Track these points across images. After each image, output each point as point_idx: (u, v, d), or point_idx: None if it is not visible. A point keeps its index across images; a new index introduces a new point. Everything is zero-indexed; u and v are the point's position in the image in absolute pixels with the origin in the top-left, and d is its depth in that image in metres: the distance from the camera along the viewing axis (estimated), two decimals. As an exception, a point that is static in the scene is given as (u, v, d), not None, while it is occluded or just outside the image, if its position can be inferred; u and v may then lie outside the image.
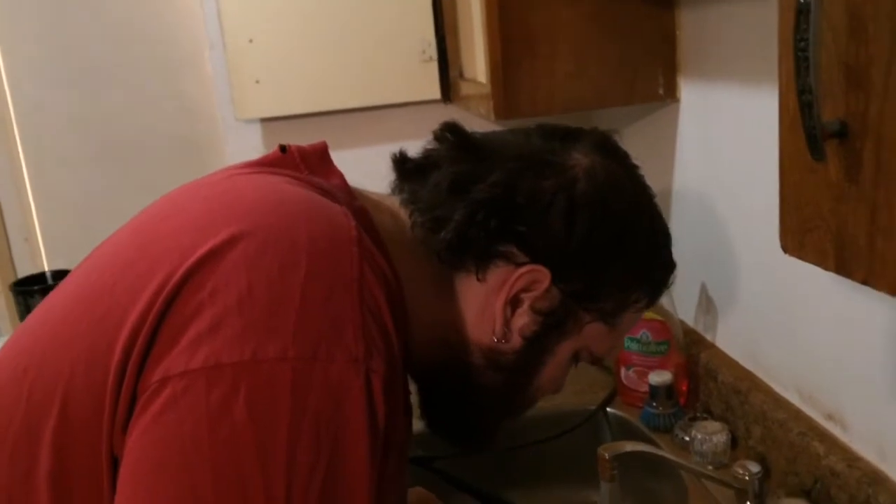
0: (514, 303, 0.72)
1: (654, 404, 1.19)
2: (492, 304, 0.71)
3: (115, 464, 0.56)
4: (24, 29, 1.61)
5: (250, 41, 1.52)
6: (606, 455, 0.89)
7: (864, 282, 0.44)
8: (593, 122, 1.73)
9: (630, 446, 0.93)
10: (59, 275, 1.52)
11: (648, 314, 1.23)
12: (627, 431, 1.23)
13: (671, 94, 1.30)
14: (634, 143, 1.49)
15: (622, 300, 0.76)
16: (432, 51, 1.58)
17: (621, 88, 1.29)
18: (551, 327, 0.73)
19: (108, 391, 0.56)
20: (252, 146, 1.62)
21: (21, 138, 1.65)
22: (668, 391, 1.18)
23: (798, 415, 1.02)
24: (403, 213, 0.73)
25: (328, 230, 0.60)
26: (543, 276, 0.70)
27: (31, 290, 1.47)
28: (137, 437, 0.54)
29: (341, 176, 0.73)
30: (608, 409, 1.27)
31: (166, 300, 0.56)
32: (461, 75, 1.53)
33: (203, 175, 0.75)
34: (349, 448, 0.54)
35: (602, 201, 0.72)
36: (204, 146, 1.68)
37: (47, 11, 1.61)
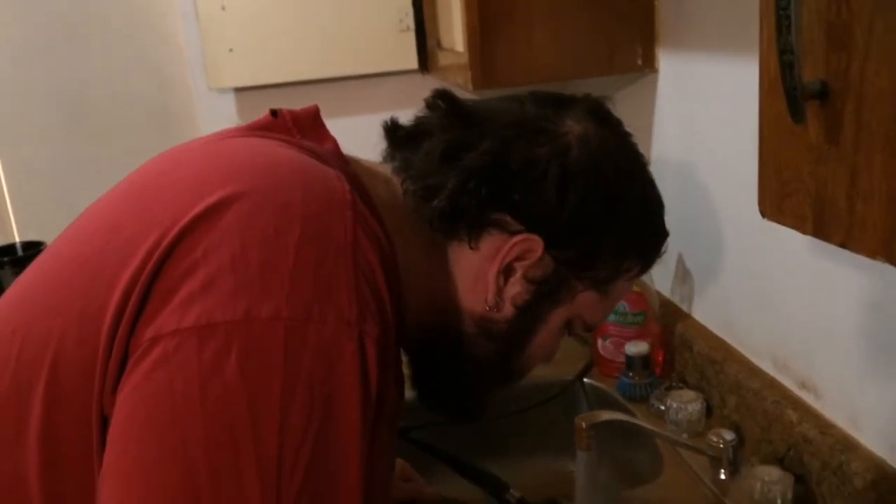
0: (506, 272, 0.71)
1: (631, 374, 1.19)
2: (485, 273, 0.71)
3: (105, 423, 0.55)
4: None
5: (223, 8, 1.49)
6: (583, 424, 0.89)
7: (843, 245, 0.44)
8: (571, 91, 1.72)
9: (606, 415, 0.93)
10: (30, 246, 1.50)
11: (625, 285, 1.23)
12: (604, 401, 1.24)
13: (649, 65, 1.29)
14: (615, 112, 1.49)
15: (615, 268, 0.76)
16: (409, 20, 1.56)
17: (599, 58, 1.28)
18: (544, 296, 0.73)
19: (100, 351, 0.55)
20: (226, 116, 1.60)
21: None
22: (645, 361, 1.19)
23: (772, 383, 1.02)
24: (396, 181, 0.73)
25: (323, 193, 0.60)
26: (537, 244, 0.70)
27: (0, 261, 1.44)
28: (128, 394, 0.53)
29: (334, 141, 0.72)
30: (585, 380, 1.28)
31: (158, 260, 0.56)
32: (439, 45, 1.51)
33: (175, 144, 0.73)
34: (341, 410, 0.54)
35: (595, 169, 0.72)
36: (176, 116, 1.65)
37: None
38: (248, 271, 0.54)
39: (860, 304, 0.87)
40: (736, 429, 1.03)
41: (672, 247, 1.27)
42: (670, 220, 1.28)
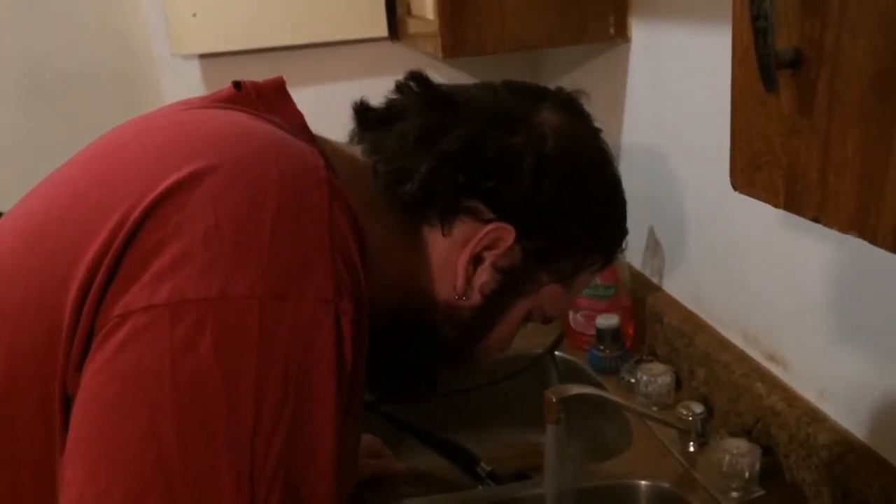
0: (476, 260, 0.71)
1: (601, 347, 1.19)
2: (454, 260, 0.70)
3: (68, 403, 0.53)
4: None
5: (186, -28, 1.44)
6: (553, 398, 0.88)
7: (815, 219, 0.43)
8: (543, 63, 1.70)
9: (576, 389, 0.93)
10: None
11: (596, 257, 1.22)
12: (574, 374, 1.23)
13: (622, 34, 1.27)
14: (584, 83, 1.46)
15: (579, 262, 0.76)
16: (379, -14, 1.53)
17: (571, 27, 1.26)
18: (510, 286, 0.73)
19: (64, 327, 0.53)
20: (189, 83, 1.55)
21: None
22: (615, 334, 1.18)
23: (741, 356, 1.03)
24: (364, 163, 0.71)
25: (298, 167, 0.58)
26: (508, 233, 0.70)
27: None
28: (94, 373, 0.51)
29: (301, 115, 0.70)
30: (556, 353, 1.27)
31: (127, 234, 0.53)
32: (409, 12, 1.48)
33: (140, 112, 0.71)
34: (317, 388, 0.53)
35: (569, 161, 0.72)
36: (139, 83, 1.61)
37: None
38: (222, 247, 0.52)
39: (829, 278, 0.87)
40: (705, 401, 1.03)
41: (643, 219, 1.27)
42: (642, 192, 1.27)
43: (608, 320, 1.18)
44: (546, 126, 0.72)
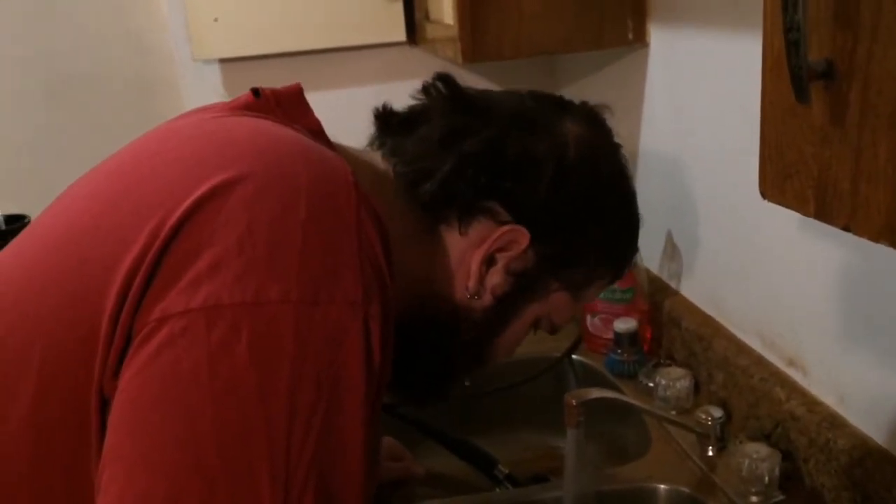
0: (489, 261, 0.72)
1: (619, 351, 1.20)
2: (468, 260, 0.71)
3: (105, 406, 0.54)
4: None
5: (208, -23, 1.46)
6: (573, 402, 0.89)
7: (846, 228, 0.43)
8: (561, 67, 1.71)
9: (596, 393, 0.93)
10: (12, 220, 1.47)
11: (614, 262, 1.23)
12: (592, 378, 1.24)
13: (640, 39, 1.28)
14: (602, 88, 1.48)
15: (590, 273, 0.77)
16: (397, -9, 1.54)
17: (590, 32, 1.27)
18: (521, 289, 0.74)
19: (101, 334, 0.54)
20: (210, 87, 1.57)
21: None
22: (633, 338, 1.19)
23: (760, 361, 1.03)
24: (383, 167, 0.72)
25: (326, 173, 0.59)
26: (523, 236, 0.70)
27: (-19, 235, 1.42)
28: (132, 376, 0.52)
29: (318, 122, 0.70)
30: (573, 356, 1.28)
31: (164, 242, 0.55)
32: (427, 17, 1.49)
33: (158, 116, 0.72)
34: (348, 390, 0.54)
35: (589, 172, 0.73)
36: (159, 87, 1.62)
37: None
38: (255, 252, 0.53)
39: (848, 283, 0.87)
40: (723, 405, 1.04)
41: (661, 223, 1.28)
42: (660, 196, 1.28)
43: (626, 324, 1.19)
44: (569, 135, 0.73)
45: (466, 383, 0.84)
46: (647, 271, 1.29)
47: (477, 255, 0.71)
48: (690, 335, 1.16)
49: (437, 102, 0.73)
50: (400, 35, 1.56)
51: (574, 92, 1.64)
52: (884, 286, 0.82)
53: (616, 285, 1.22)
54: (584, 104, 0.79)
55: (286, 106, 0.70)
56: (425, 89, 0.75)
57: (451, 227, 0.71)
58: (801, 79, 0.43)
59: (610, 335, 1.22)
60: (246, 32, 1.50)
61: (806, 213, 0.47)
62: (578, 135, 0.73)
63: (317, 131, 0.69)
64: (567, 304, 0.78)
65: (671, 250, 1.27)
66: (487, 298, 0.73)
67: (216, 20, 1.48)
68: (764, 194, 0.51)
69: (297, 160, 0.59)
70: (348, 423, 0.54)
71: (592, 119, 0.77)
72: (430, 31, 1.46)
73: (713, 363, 1.10)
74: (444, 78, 0.74)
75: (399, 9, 1.55)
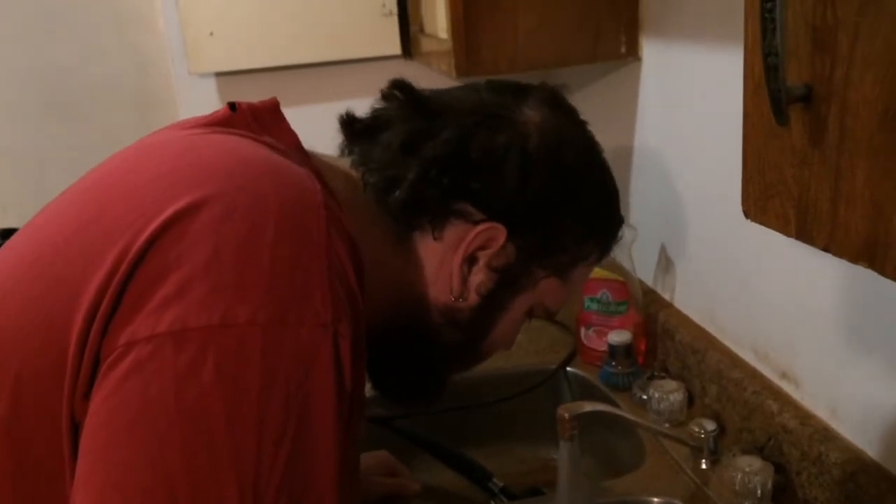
0: (470, 261, 0.72)
1: (613, 363, 1.20)
2: (448, 263, 0.71)
3: (76, 429, 0.54)
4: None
5: (204, -8, 1.47)
6: (566, 415, 0.89)
7: (826, 249, 0.44)
8: (555, 80, 1.71)
9: (589, 406, 0.93)
10: (8, 233, 1.47)
11: (608, 274, 1.23)
12: (587, 390, 1.24)
13: (633, 53, 1.29)
14: (596, 102, 1.48)
15: (575, 255, 0.77)
16: (392, 5, 1.55)
17: (583, 46, 1.28)
18: (507, 284, 0.74)
19: (70, 356, 0.54)
20: (207, 101, 1.58)
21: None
22: (627, 350, 1.19)
23: (753, 373, 1.03)
24: (354, 175, 0.72)
25: (296, 193, 0.59)
26: (500, 233, 0.70)
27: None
28: (101, 401, 0.52)
29: (295, 136, 0.71)
30: (568, 369, 1.28)
31: (130, 264, 0.54)
32: (422, 30, 1.50)
33: (156, 129, 0.72)
34: (318, 411, 0.54)
35: (555, 156, 0.72)
36: (157, 101, 1.63)
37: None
38: (222, 274, 0.53)
39: (841, 296, 0.88)
40: (717, 418, 1.04)
41: (655, 236, 1.29)
42: (654, 209, 1.28)
43: (620, 336, 1.19)
44: (529, 123, 0.72)
45: (462, 397, 0.85)
46: (642, 283, 1.29)
47: (456, 258, 0.71)
48: (684, 348, 1.16)
49: (396, 108, 0.73)
50: (395, 48, 1.57)
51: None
52: (876, 300, 0.83)
53: (611, 298, 1.23)
54: (543, 85, 0.78)
55: (262, 120, 0.70)
56: (384, 97, 0.75)
57: (425, 233, 0.71)
58: (780, 102, 0.44)
59: (604, 347, 1.22)
60: (242, 46, 1.51)
61: (787, 234, 0.47)
62: (539, 121, 0.73)
63: (293, 144, 0.69)
64: (557, 288, 0.77)
65: (665, 263, 1.27)
66: (473, 298, 0.73)
67: (212, 34, 1.49)
68: (746, 214, 0.51)
69: (266, 181, 0.59)
70: (320, 445, 0.54)
71: (552, 101, 0.76)
72: (425, 45, 1.47)
73: (707, 376, 1.10)
74: (399, 84, 0.74)
75: (394, 22, 1.56)
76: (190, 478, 0.50)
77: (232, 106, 0.70)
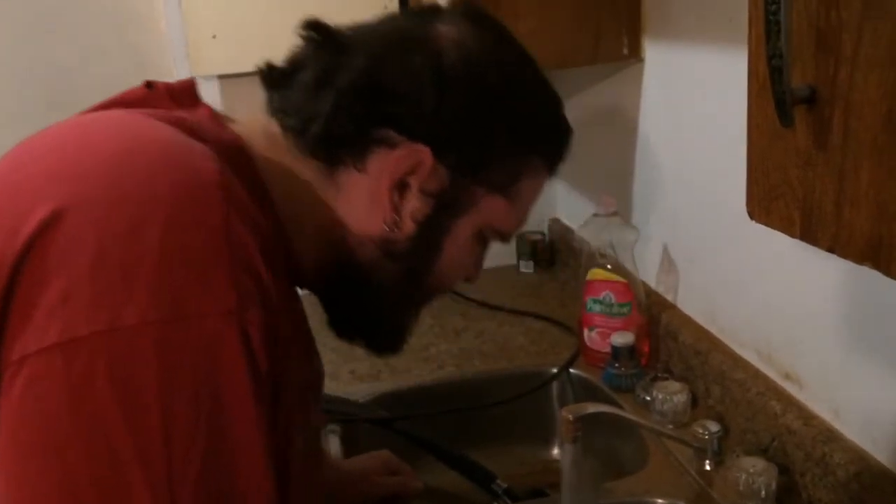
0: (401, 188, 0.69)
1: (617, 365, 1.20)
2: (378, 193, 0.68)
3: None
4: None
5: (206, -6, 1.47)
6: (570, 417, 0.89)
7: (830, 249, 0.44)
8: (557, 82, 1.71)
9: (592, 408, 0.94)
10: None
11: (611, 275, 1.24)
12: (590, 392, 1.24)
13: (635, 54, 1.29)
14: (598, 103, 1.48)
15: (514, 169, 0.73)
16: (394, 6, 1.55)
17: (585, 47, 1.28)
18: (444, 207, 0.71)
19: None
20: (209, 103, 1.58)
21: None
22: (630, 352, 1.19)
23: (756, 374, 1.03)
24: (274, 126, 0.70)
25: (189, 176, 0.56)
26: (424, 154, 0.67)
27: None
28: (4, 419, 0.50)
29: (208, 107, 0.68)
30: (571, 370, 1.28)
31: (9, 273, 0.52)
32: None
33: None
34: (231, 402, 0.52)
35: (473, 70, 0.69)
36: (159, 103, 1.64)
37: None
38: (108, 276, 0.51)
39: (844, 297, 0.88)
40: (720, 419, 1.04)
41: (657, 237, 1.29)
42: (656, 210, 1.28)
43: (623, 338, 1.19)
44: (441, 39, 0.69)
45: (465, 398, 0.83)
46: (645, 285, 1.29)
47: (384, 186, 0.68)
48: (687, 349, 1.16)
49: (312, 49, 0.71)
50: (397, 50, 1.57)
51: (570, 106, 1.64)
52: (880, 301, 0.83)
53: (613, 299, 1.23)
54: (462, 2, 0.75)
55: (176, 97, 0.68)
56: (301, 38, 0.72)
57: (348, 167, 0.68)
58: (784, 103, 0.44)
59: (607, 349, 1.22)
60: (244, 49, 1.51)
61: (792, 235, 0.47)
62: (454, 36, 0.70)
63: (206, 115, 0.67)
64: (504, 207, 0.73)
65: (668, 264, 1.27)
66: (409, 226, 0.70)
67: (214, 37, 1.49)
68: (751, 215, 0.51)
69: (158, 165, 0.56)
70: (240, 433, 0.52)
71: (473, 16, 0.73)
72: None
73: (710, 377, 1.10)
74: (312, 24, 0.71)
75: (396, 24, 1.56)
76: (98, 491, 0.49)
77: (149, 84, 0.69)
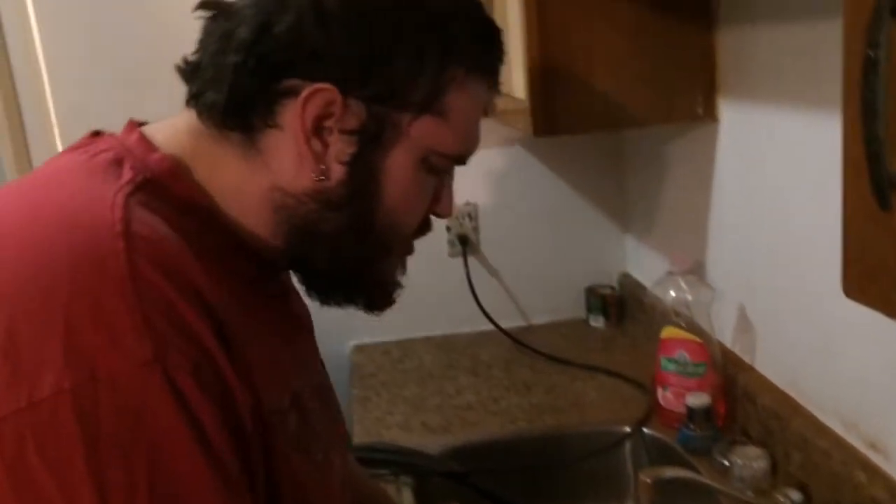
0: (319, 134, 0.66)
1: (692, 426, 1.18)
2: (299, 145, 0.66)
3: None
4: (67, 29, 1.61)
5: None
6: (648, 481, 0.89)
7: (932, 334, 0.44)
8: (629, 139, 1.73)
9: (671, 472, 0.93)
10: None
11: (686, 334, 1.23)
12: (664, 453, 1.23)
13: (710, 114, 1.29)
14: (671, 160, 1.49)
15: (433, 85, 0.68)
16: (469, 65, 1.59)
17: (660, 107, 1.29)
18: (369, 142, 0.67)
19: None
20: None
21: (62, 144, 1.67)
22: (707, 413, 1.17)
23: (840, 443, 1.01)
24: (195, 119, 0.69)
25: (90, 236, 0.56)
26: (331, 93, 0.65)
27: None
28: None
29: (139, 132, 0.68)
30: (644, 429, 1.27)
31: None
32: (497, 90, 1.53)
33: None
34: (170, 449, 0.52)
35: None
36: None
37: (90, 11, 1.62)
38: (20, 353, 0.51)
39: (933, 367, 0.86)
40: (802, 488, 1.02)
41: (734, 296, 1.27)
42: (733, 269, 1.27)
43: (699, 399, 1.18)
44: None
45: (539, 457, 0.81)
46: (721, 345, 1.28)
47: (300, 137, 0.66)
48: (766, 413, 1.14)
49: (206, 29, 0.70)
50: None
51: (642, 164, 1.66)
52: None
53: (689, 358, 1.22)
54: None
55: (124, 127, 0.70)
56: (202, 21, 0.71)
57: (263, 128, 0.67)
58: (882, 188, 0.44)
59: (682, 409, 1.21)
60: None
61: (890, 316, 0.47)
62: None
63: (136, 139, 0.67)
64: (436, 127, 0.69)
65: (745, 324, 1.26)
66: (338, 170, 0.67)
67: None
68: (847, 293, 0.51)
69: (58, 230, 0.56)
70: (187, 481, 0.52)
71: None
72: (502, 104, 1.50)
73: (791, 443, 1.08)
74: (203, 4, 0.70)
75: (471, 82, 1.59)
76: None
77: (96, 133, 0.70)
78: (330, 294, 0.75)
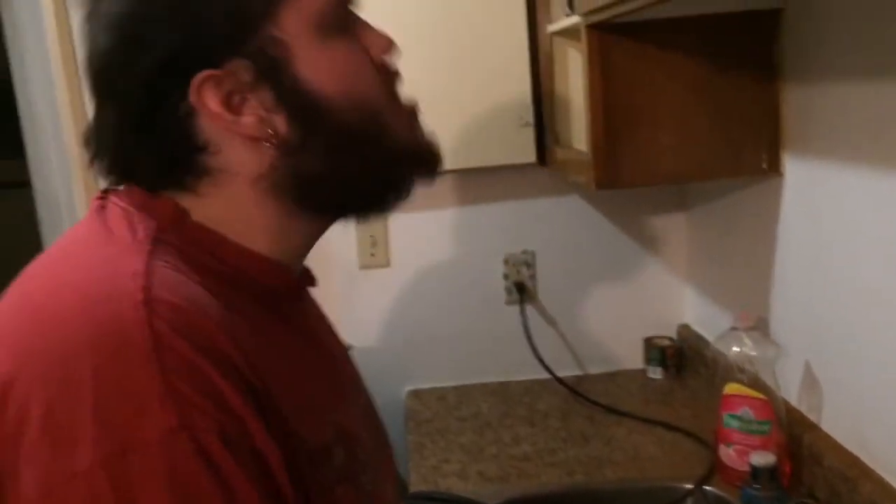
0: (237, 110, 0.65)
1: (757, 486, 1.16)
2: (235, 134, 0.66)
3: None
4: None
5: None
6: (715, 543, 0.87)
7: None
8: (692, 192, 1.73)
9: (738, 534, 0.91)
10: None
11: (750, 391, 1.21)
12: (727, 512, 1.20)
13: (775, 169, 1.29)
14: (734, 213, 1.48)
15: (258, 14, 0.65)
16: (529, 116, 1.61)
17: (723, 161, 1.29)
18: (272, 75, 0.65)
19: None
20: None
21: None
22: (772, 473, 1.15)
23: (913, 508, 0.98)
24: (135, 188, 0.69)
25: (111, 311, 0.57)
26: (208, 78, 0.64)
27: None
28: None
29: (139, 193, 0.68)
30: (706, 487, 1.25)
31: None
32: (556, 140, 1.55)
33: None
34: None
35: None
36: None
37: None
38: (57, 431, 0.53)
39: None
40: (873, 554, 0.99)
41: (799, 353, 1.25)
42: (798, 325, 1.25)
43: (764, 458, 1.16)
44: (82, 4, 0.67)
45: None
46: (786, 402, 1.26)
47: (230, 129, 0.66)
48: (834, 474, 1.11)
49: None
50: (531, 157, 1.62)
51: (705, 215, 1.65)
52: None
53: (753, 416, 1.20)
54: None
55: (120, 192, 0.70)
56: None
57: (201, 154, 0.66)
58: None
59: (746, 468, 1.18)
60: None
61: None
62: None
63: (138, 202, 0.67)
64: (317, 45, 0.67)
65: (811, 382, 1.24)
66: (277, 119, 0.66)
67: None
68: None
69: (80, 313, 0.57)
70: None
71: None
72: (560, 154, 1.52)
73: (860, 507, 1.05)
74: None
75: (531, 132, 1.62)
76: None
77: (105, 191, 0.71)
78: (386, 195, 0.73)
